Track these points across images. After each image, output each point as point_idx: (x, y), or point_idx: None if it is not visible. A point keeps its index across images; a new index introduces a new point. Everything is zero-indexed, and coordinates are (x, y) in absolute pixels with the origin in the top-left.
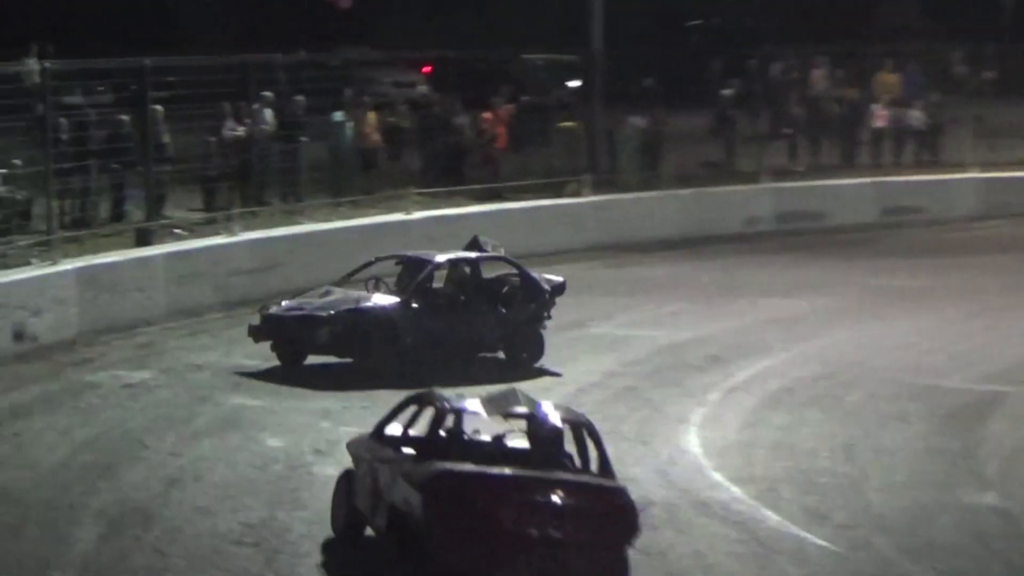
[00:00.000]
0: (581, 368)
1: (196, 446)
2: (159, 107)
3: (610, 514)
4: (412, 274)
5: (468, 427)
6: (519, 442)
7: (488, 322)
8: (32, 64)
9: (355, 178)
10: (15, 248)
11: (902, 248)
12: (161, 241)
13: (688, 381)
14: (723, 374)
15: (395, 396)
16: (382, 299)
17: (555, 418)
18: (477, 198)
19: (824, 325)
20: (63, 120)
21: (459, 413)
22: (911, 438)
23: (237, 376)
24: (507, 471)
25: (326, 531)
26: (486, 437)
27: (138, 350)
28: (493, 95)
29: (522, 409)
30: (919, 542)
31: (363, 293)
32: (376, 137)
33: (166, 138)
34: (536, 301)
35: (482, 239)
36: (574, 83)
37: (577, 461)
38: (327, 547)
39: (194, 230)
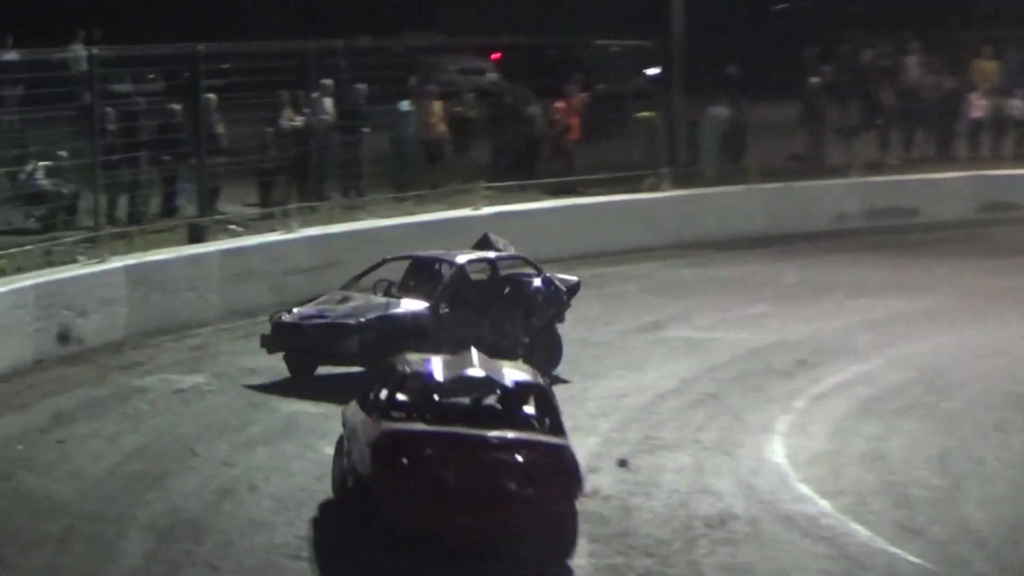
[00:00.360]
0: (658, 373)
1: (250, 455)
2: (212, 96)
3: (554, 471)
4: (421, 275)
5: (428, 389)
6: (476, 401)
7: (514, 325)
8: (79, 50)
9: (419, 171)
10: (61, 245)
11: (1001, 246)
12: (215, 238)
13: (773, 387)
14: (810, 380)
15: None
16: (411, 305)
17: (510, 379)
18: (549, 193)
19: (918, 328)
20: (111, 109)
21: (418, 376)
22: (1010, 449)
23: (293, 381)
24: (451, 429)
25: (392, 543)
26: (445, 398)
27: (190, 353)
28: (566, 83)
29: (478, 371)
30: (1018, 559)
31: (388, 299)
32: (442, 128)
33: (220, 128)
34: (556, 303)
35: (492, 236)
36: (652, 71)
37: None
38: (388, 561)
39: (249, 226)
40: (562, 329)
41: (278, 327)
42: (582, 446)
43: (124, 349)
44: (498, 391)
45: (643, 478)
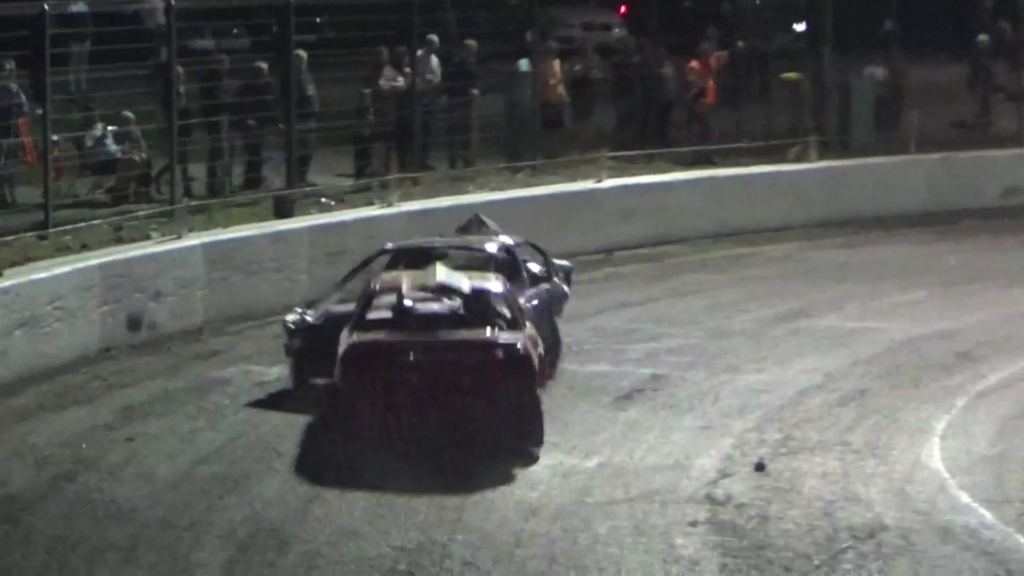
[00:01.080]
0: (802, 366)
1: (340, 456)
2: (303, 53)
3: (507, 365)
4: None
5: (397, 300)
6: (440, 307)
7: (545, 319)
8: (155, 2)
9: (536, 139)
10: (132, 219)
11: None
12: (304, 212)
13: (930, 383)
14: (973, 375)
15: (577, 405)
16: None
17: (469, 286)
18: (681, 163)
19: None
20: (190, 69)
21: (387, 289)
22: None
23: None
24: (409, 337)
25: (492, 556)
26: (412, 306)
27: (275, 341)
28: (701, 40)
29: (439, 280)
30: None
31: None
32: (562, 90)
33: (311, 90)
34: (562, 293)
35: (483, 218)
36: (799, 26)
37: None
38: (491, 574)
39: (344, 199)
40: (691, 316)
41: (306, 331)
42: (714, 447)
43: (202, 336)
44: (459, 297)
45: (783, 484)
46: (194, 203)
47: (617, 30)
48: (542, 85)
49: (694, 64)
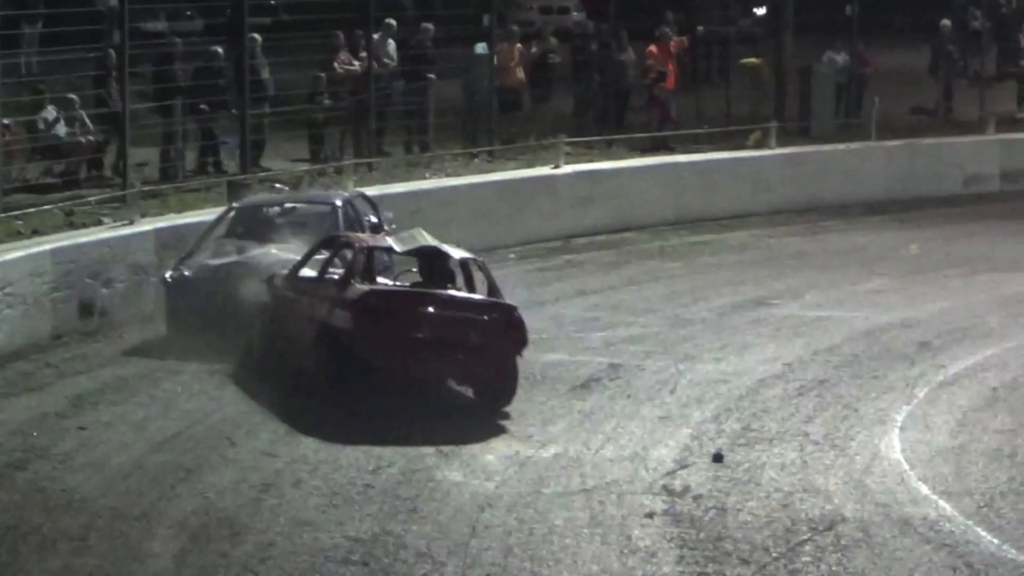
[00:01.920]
0: (761, 356)
1: (295, 445)
2: (258, 36)
3: (506, 326)
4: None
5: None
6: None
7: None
8: None
9: (493, 124)
10: (84, 204)
11: None
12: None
13: (890, 373)
14: (933, 365)
15: (533, 395)
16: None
17: (457, 253)
18: (640, 149)
19: None
20: (142, 51)
21: (382, 247)
22: None
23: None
24: (422, 290)
25: (448, 547)
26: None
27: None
28: (661, 25)
29: (431, 242)
30: None
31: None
32: (520, 74)
33: (265, 74)
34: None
35: (277, 185)
36: (759, 11)
37: (465, 288)
38: (446, 565)
39: (297, 185)
40: (649, 304)
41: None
42: (672, 438)
43: (154, 323)
44: (449, 260)
45: (741, 475)
46: (147, 188)
47: (575, 14)
48: (501, 69)
49: (653, 48)
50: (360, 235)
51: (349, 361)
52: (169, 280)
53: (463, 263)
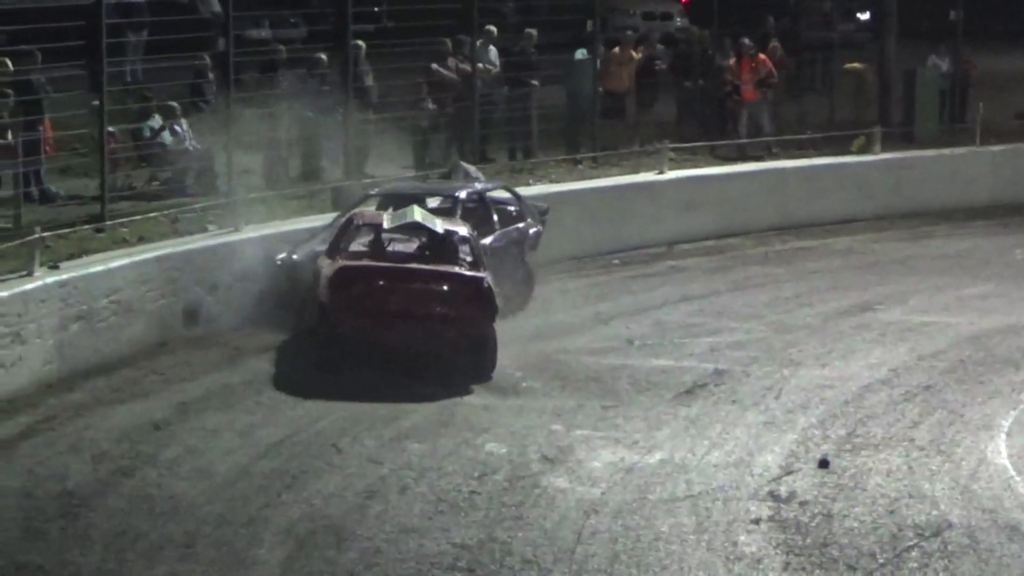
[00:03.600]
0: (866, 361)
1: (401, 452)
2: (361, 43)
3: (471, 297)
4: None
5: (377, 234)
6: (413, 245)
7: (514, 260)
8: None
9: (597, 130)
10: (189, 211)
11: None
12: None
13: (996, 378)
14: None
15: (638, 401)
16: None
17: (442, 227)
18: (744, 155)
19: None
20: (245, 58)
21: (370, 225)
22: None
23: (462, 372)
24: (390, 264)
25: (554, 554)
26: (391, 240)
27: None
28: (740, 38)
29: (416, 219)
30: None
31: None
32: (625, 80)
33: (370, 80)
34: (536, 232)
35: (464, 165)
36: (863, 16)
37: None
38: (552, 572)
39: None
40: (754, 310)
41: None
42: (777, 444)
43: (259, 331)
44: (431, 237)
45: (847, 481)
46: (252, 195)
47: (679, 20)
48: (605, 75)
49: (731, 62)
50: (366, 212)
51: (334, 333)
52: (279, 263)
53: (446, 235)
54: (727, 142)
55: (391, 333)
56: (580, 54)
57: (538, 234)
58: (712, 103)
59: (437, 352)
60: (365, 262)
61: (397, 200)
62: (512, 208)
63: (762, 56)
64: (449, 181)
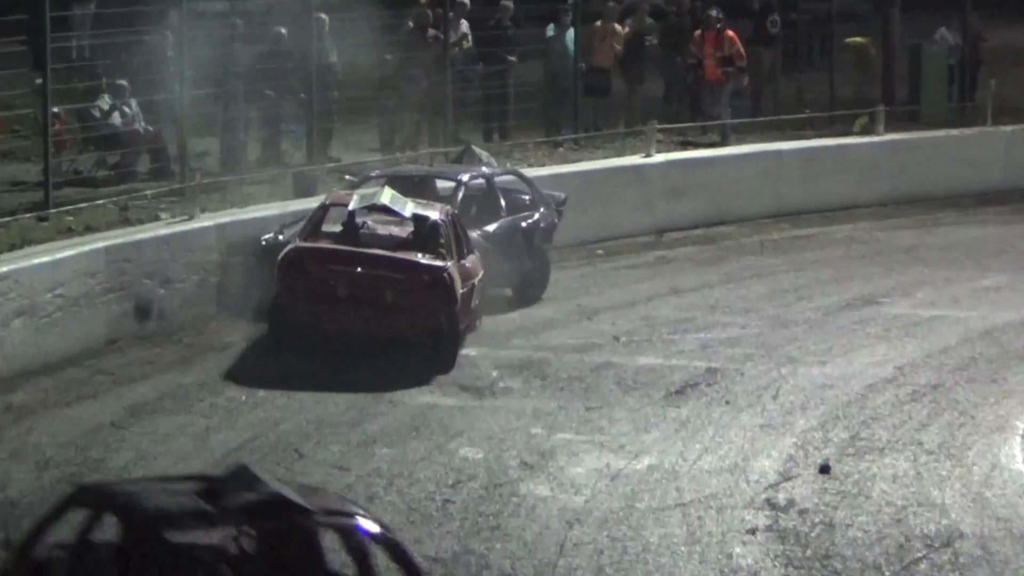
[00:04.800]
0: (870, 358)
1: (369, 457)
2: (324, 16)
3: (428, 286)
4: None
5: (344, 216)
6: (389, 229)
7: (522, 248)
8: None
9: (579, 109)
10: (140, 199)
11: None
12: (326, 190)
13: (1010, 377)
14: None
15: (625, 402)
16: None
17: (410, 211)
18: (736, 136)
19: None
20: (200, 33)
21: (336, 205)
22: None
23: (421, 365)
24: (343, 247)
25: (534, 567)
26: (363, 223)
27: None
28: (708, 9)
29: (382, 201)
30: None
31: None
32: (609, 56)
33: (333, 56)
34: (549, 222)
35: (476, 149)
36: None
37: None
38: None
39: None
40: (749, 303)
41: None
42: (775, 448)
43: (216, 327)
44: (416, 220)
45: (849, 487)
46: (207, 181)
47: None
48: (587, 50)
49: (696, 34)
50: (338, 193)
51: (284, 319)
52: (264, 244)
53: (414, 219)
54: (745, 120)
55: (341, 320)
56: (551, 30)
57: (552, 224)
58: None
59: (390, 342)
60: (318, 244)
61: (400, 182)
62: (524, 196)
63: (729, 32)
64: (458, 165)
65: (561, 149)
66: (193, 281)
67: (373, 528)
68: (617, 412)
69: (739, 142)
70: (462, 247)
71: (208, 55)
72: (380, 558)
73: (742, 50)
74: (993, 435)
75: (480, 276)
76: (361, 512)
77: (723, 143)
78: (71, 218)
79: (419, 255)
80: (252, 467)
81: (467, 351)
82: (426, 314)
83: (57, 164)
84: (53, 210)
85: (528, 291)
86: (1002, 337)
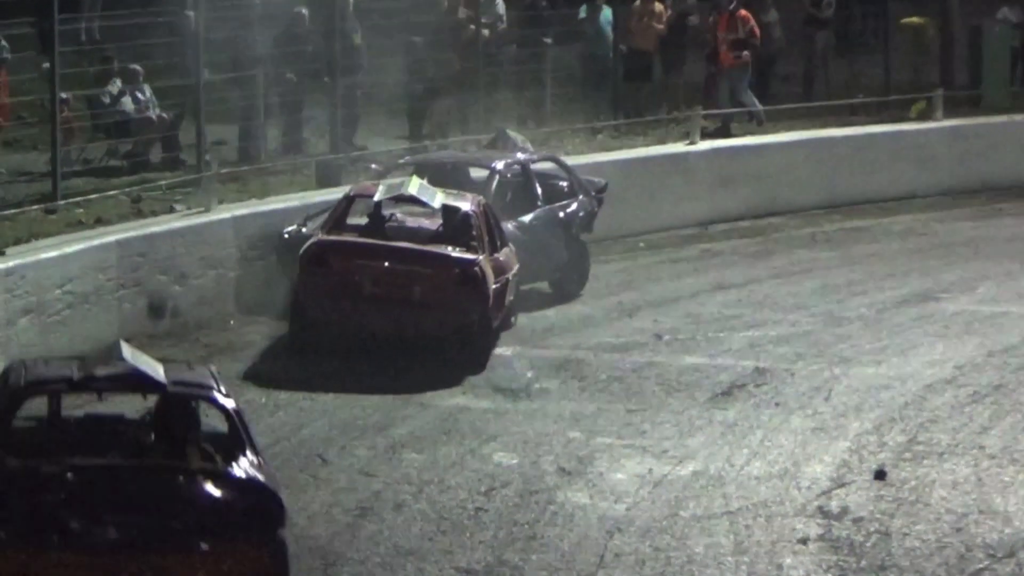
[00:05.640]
0: (929, 358)
1: (397, 463)
2: None
3: (460, 280)
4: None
5: (369, 207)
6: (417, 221)
7: (560, 239)
8: None
9: (619, 95)
10: (153, 189)
11: None
12: (350, 180)
13: None
14: None
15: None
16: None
17: (439, 202)
18: (786, 122)
19: None
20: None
21: (361, 196)
22: None
23: (452, 365)
24: (368, 240)
25: None
26: (390, 215)
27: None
28: None
29: (408, 191)
30: None
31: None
32: (650, 37)
33: (358, 38)
34: (589, 211)
35: (511, 133)
36: None
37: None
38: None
39: (396, 166)
40: (799, 300)
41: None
42: (827, 452)
43: (234, 326)
44: (446, 211)
45: (906, 495)
46: (224, 171)
47: None
48: (629, 31)
49: (710, 19)
50: (364, 184)
51: (306, 317)
52: (285, 238)
53: (443, 210)
54: (794, 106)
55: (367, 318)
56: (584, 11)
57: (591, 213)
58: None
59: (418, 341)
60: (342, 237)
61: (431, 170)
62: (562, 183)
63: (742, 12)
64: (492, 151)
65: (600, 136)
66: (210, 277)
67: (228, 403)
68: (660, 415)
69: (789, 128)
70: (495, 239)
71: (225, 38)
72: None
73: (756, 28)
74: None
75: (514, 270)
76: (222, 390)
77: (759, 128)
78: (80, 210)
79: (449, 248)
80: (121, 346)
81: (501, 350)
82: (457, 311)
83: (66, 153)
84: (61, 202)
85: (566, 286)
86: None
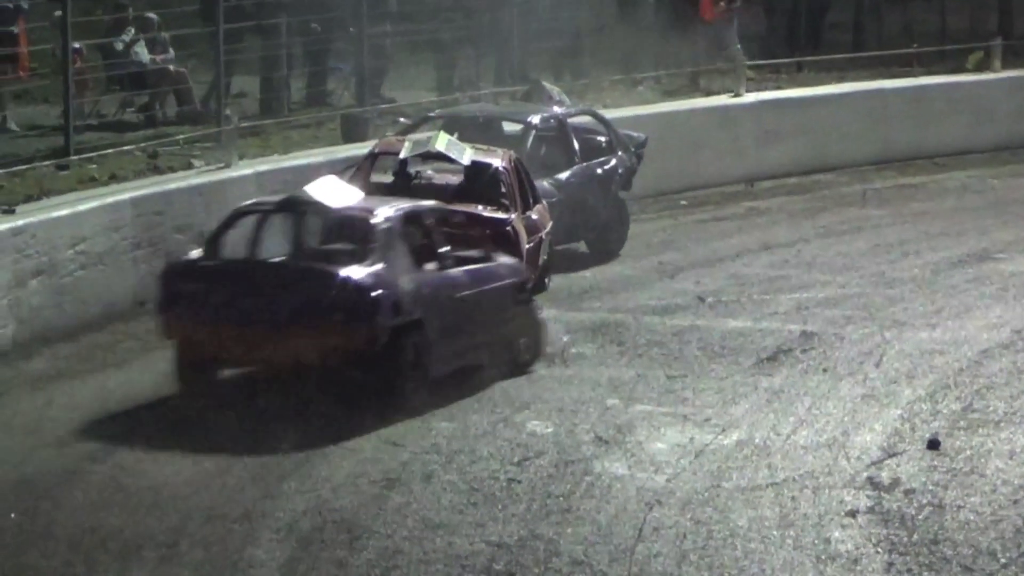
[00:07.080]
0: (985, 321)
1: (425, 432)
2: None
3: (489, 240)
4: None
5: (396, 164)
6: (442, 178)
7: (598, 197)
8: None
9: (656, 45)
10: (171, 144)
11: None
12: (376, 134)
13: None
14: None
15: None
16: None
17: (468, 158)
18: (837, 73)
19: None
20: None
21: (387, 152)
22: None
23: None
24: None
25: (609, 553)
26: (416, 172)
27: None
28: None
29: (436, 147)
30: None
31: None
32: None
33: None
34: (628, 167)
35: (546, 85)
36: None
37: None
38: (607, 575)
39: (426, 119)
40: (849, 260)
41: None
42: (878, 420)
43: None
44: (459, 166)
45: (961, 465)
46: (245, 124)
47: None
48: None
49: None
50: (388, 139)
51: None
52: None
53: (472, 166)
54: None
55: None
56: None
57: (631, 170)
58: (803, 11)
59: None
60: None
61: (461, 125)
62: (600, 138)
63: None
64: (526, 104)
65: (640, 88)
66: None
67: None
68: (702, 381)
69: (839, 80)
70: (527, 197)
71: None
72: None
73: None
74: None
75: (548, 229)
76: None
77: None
78: (94, 166)
79: (479, 207)
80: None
81: None
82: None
83: (79, 106)
84: (74, 157)
85: (604, 246)
86: None
